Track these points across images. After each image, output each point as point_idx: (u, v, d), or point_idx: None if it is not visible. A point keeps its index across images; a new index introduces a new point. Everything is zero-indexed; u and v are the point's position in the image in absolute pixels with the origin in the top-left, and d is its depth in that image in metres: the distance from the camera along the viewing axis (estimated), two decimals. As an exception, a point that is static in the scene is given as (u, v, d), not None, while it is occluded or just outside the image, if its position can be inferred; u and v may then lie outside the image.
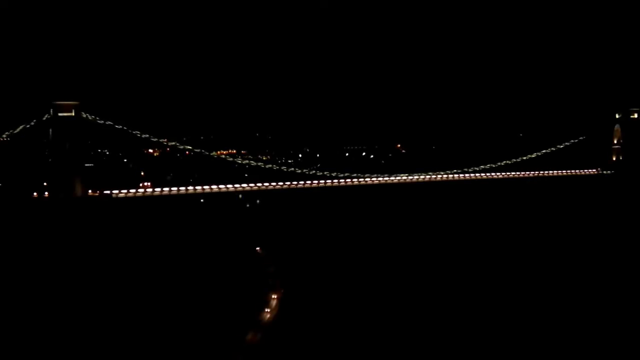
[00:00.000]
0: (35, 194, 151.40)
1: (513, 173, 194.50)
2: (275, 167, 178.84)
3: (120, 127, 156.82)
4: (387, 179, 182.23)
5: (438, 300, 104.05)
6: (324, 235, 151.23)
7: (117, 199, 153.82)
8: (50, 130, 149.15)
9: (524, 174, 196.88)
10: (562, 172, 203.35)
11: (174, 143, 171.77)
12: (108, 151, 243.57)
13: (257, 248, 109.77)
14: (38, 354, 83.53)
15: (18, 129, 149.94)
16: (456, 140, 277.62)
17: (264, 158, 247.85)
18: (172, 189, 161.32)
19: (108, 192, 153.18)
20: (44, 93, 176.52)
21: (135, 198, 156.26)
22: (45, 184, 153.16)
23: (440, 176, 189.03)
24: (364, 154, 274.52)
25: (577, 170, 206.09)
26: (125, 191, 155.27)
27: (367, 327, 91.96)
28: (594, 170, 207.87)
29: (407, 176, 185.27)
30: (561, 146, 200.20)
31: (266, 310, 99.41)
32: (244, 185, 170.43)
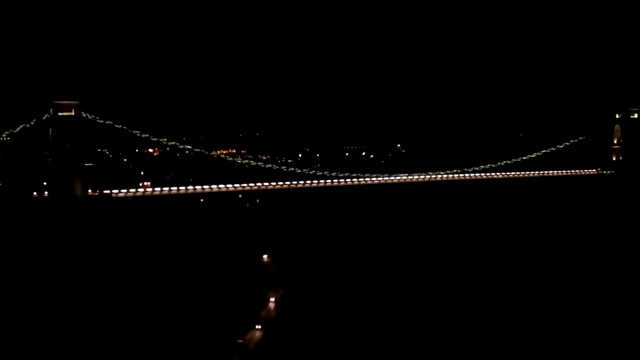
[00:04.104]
0: (35, 193, 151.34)
1: (513, 173, 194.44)
2: (275, 167, 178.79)
3: (120, 126, 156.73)
4: (387, 179, 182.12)
5: (438, 300, 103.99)
6: (324, 235, 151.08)
7: (117, 198, 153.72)
8: (50, 129, 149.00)
9: (524, 174, 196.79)
10: (562, 172, 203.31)
11: (174, 143, 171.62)
12: (108, 151, 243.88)
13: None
14: (38, 354, 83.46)
15: (18, 129, 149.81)
16: (456, 140, 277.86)
17: (264, 158, 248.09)
18: (172, 188, 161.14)
19: (108, 191, 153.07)
20: (44, 93, 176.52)
21: (135, 198, 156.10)
22: (45, 183, 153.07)
23: (440, 176, 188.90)
24: (364, 154, 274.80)
25: (577, 170, 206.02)
26: (125, 191, 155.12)
27: (366, 327, 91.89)
28: (594, 170, 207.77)
29: (407, 176, 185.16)
30: (561, 146, 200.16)
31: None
32: (244, 185, 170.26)
